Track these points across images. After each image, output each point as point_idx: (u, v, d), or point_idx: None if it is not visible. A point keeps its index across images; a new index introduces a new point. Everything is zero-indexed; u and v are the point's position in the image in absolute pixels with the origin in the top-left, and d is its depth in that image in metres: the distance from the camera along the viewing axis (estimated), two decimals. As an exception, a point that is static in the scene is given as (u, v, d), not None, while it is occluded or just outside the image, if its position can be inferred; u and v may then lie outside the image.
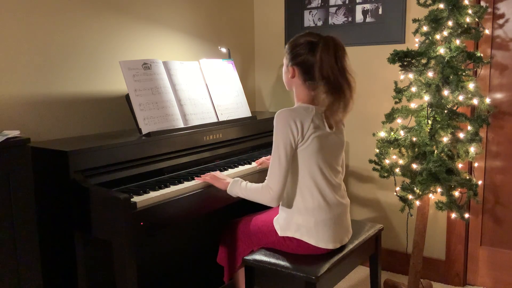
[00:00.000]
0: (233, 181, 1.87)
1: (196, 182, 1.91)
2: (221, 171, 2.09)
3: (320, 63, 1.71)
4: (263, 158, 2.23)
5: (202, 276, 2.43)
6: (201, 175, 1.95)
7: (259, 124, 2.49)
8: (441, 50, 2.15)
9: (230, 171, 2.12)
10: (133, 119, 2.00)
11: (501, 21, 2.45)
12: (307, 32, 1.81)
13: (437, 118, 2.17)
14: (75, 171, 1.66)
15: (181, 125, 2.11)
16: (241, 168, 2.17)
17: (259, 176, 2.15)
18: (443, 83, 2.14)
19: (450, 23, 2.15)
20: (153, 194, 1.73)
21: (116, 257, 1.61)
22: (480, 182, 2.35)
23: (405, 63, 2.24)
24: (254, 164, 2.22)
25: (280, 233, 1.83)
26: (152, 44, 2.46)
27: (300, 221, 1.78)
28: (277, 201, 1.75)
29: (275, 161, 1.73)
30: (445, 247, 2.67)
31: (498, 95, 2.50)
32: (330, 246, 1.79)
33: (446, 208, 2.21)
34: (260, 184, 1.79)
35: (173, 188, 1.82)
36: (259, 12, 3.18)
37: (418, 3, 2.27)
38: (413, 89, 2.24)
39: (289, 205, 1.81)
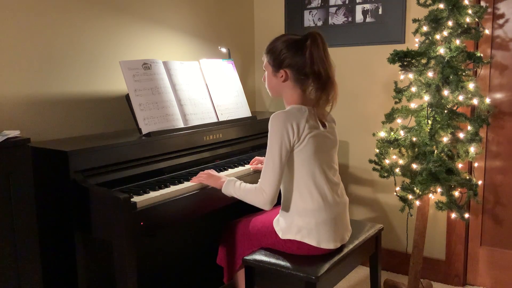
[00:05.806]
0: (227, 180, 1.85)
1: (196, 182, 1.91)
2: (220, 171, 2.09)
3: (311, 59, 1.73)
4: (256, 158, 2.23)
5: (202, 277, 2.43)
6: (196, 176, 1.93)
7: (259, 124, 2.49)
8: (441, 50, 2.15)
9: (230, 171, 2.12)
10: (133, 119, 2.00)
11: (501, 21, 2.45)
12: (284, 34, 1.83)
13: (437, 118, 2.17)
14: (75, 171, 1.66)
15: (181, 125, 2.11)
16: (241, 168, 2.17)
17: (259, 176, 2.14)
18: (443, 83, 2.14)
19: (450, 23, 2.15)
20: (153, 194, 1.73)
21: (116, 257, 1.61)
22: (480, 182, 2.35)
23: (405, 63, 2.24)
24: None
25: (282, 236, 1.82)
26: (152, 44, 2.46)
27: (300, 223, 1.77)
28: (270, 205, 1.73)
29: (269, 164, 1.72)
30: (445, 247, 2.67)
31: (498, 95, 2.50)
32: (331, 246, 1.79)
33: (446, 208, 2.21)
34: (254, 185, 1.77)
35: (173, 188, 1.82)
36: (259, 12, 3.18)
37: (418, 3, 2.27)
38: (413, 89, 2.24)
39: (288, 207, 1.80)
